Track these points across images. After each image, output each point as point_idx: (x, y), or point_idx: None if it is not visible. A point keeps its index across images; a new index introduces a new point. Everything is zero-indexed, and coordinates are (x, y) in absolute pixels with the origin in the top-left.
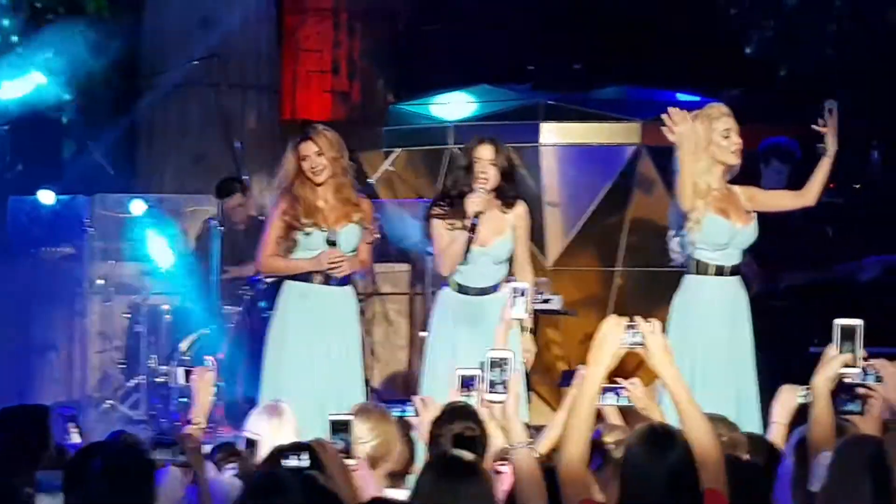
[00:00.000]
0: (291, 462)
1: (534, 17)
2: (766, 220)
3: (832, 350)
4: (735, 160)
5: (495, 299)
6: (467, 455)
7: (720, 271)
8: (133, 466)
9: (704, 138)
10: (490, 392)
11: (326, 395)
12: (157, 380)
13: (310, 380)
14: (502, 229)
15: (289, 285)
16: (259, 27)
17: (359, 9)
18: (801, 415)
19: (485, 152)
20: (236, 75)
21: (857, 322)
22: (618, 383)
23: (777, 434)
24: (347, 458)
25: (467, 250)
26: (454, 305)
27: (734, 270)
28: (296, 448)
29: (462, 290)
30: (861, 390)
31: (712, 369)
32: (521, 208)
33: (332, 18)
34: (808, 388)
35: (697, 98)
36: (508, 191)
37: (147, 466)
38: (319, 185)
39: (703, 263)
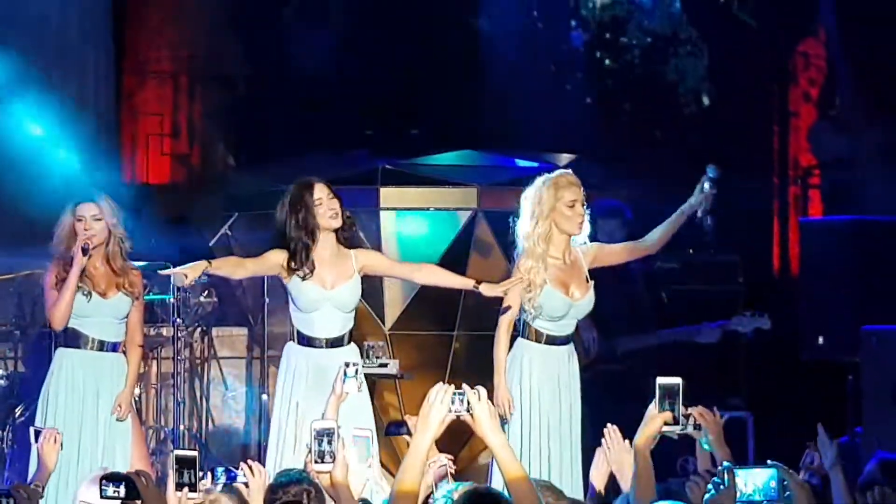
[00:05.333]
0: (110, 491)
1: (371, 83)
2: (605, 286)
3: (653, 409)
4: (577, 231)
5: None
6: None
7: (552, 341)
8: None
9: (548, 206)
10: (317, 462)
11: (99, 456)
12: None
13: (79, 443)
14: (349, 273)
15: (61, 351)
16: (97, 89)
17: (199, 72)
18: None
19: (319, 190)
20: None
21: (677, 380)
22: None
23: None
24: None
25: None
26: (299, 359)
27: (566, 340)
28: (114, 478)
29: (309, 342)
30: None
31: (537, 434)
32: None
33: (172, 81)
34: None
35: (536, 164)
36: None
37: None
38: (96, 247)
39: (537, 331)
